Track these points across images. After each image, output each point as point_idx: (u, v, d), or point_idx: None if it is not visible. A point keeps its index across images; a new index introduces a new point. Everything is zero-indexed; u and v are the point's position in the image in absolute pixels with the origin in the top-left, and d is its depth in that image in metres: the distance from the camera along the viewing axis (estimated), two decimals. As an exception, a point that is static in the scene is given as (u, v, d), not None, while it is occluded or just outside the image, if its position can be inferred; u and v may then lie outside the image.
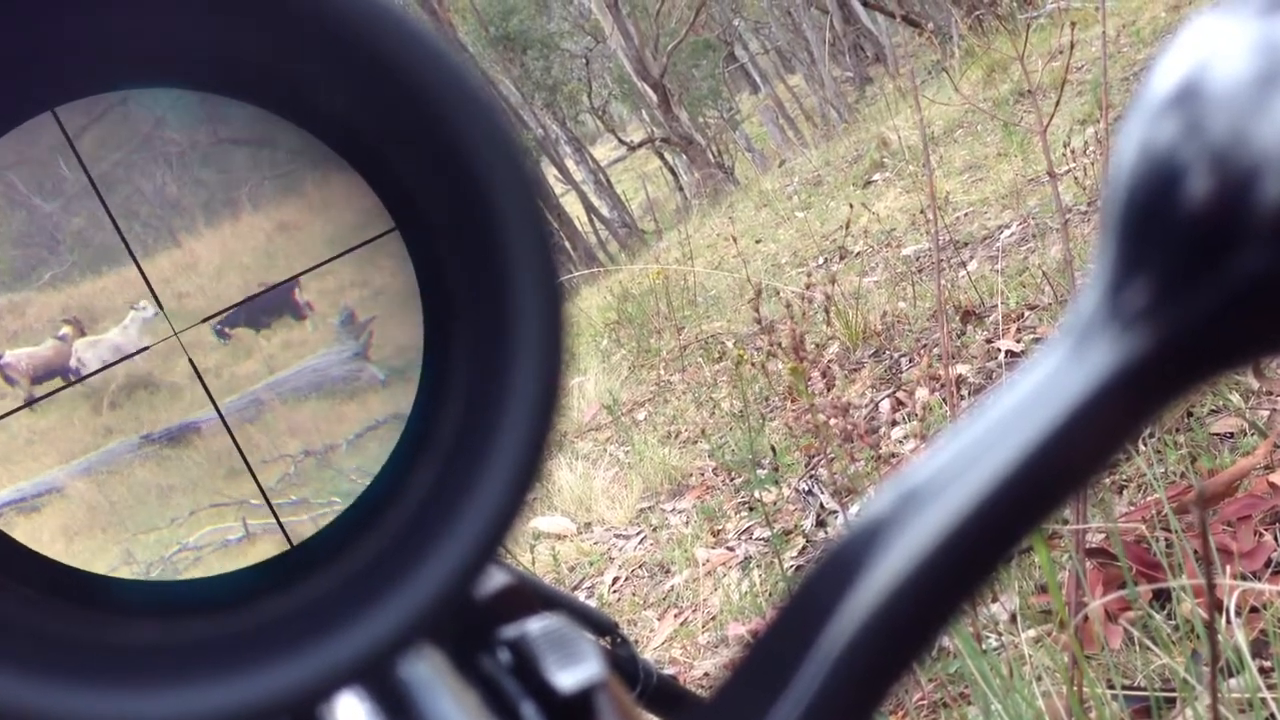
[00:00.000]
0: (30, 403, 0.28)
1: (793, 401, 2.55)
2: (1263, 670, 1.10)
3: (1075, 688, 0.98)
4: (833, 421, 1.38)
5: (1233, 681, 1.01)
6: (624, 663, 0.61)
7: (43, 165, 0.27)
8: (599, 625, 0.60)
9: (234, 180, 0.29)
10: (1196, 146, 0.20)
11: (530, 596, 0.35)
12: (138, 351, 0.29)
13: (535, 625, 0.32)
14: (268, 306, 0.29)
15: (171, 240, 0.28)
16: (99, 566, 0.28)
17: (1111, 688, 1.13)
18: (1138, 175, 0.21)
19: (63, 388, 0.28)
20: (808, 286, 2.61)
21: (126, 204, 0.28)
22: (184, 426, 0.29)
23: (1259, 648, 1.16)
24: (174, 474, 0.29)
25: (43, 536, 0.28)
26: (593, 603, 2.40)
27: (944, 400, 1.97)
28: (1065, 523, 1.14)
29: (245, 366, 0.29)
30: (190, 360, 0.29)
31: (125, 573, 0.29)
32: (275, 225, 0.29)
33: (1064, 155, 3.55)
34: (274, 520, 0.30)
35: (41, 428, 0.28)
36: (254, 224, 0.29)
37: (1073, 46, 1.32)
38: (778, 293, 3.82)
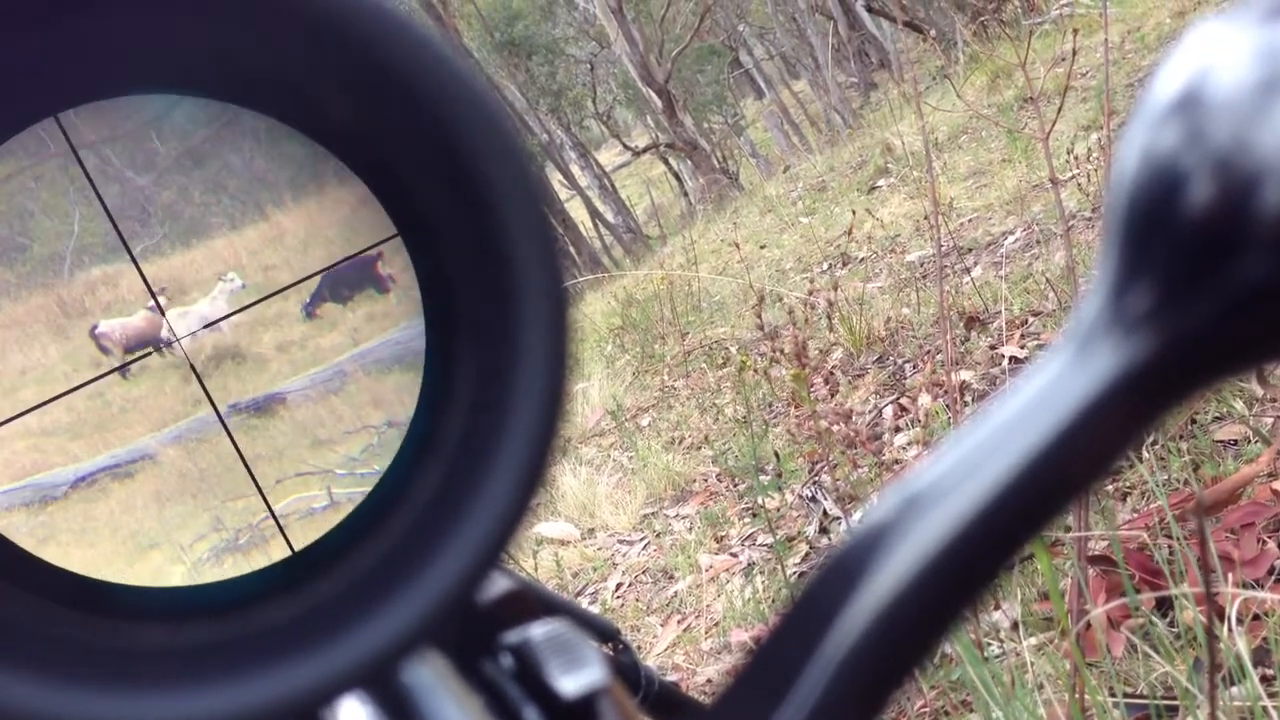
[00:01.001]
0: (122, 368, 0.29)
1: (796, 407, 2.55)
2: (1265, 679, 1.10)
3: (1076, 695, 0.97)
4: (835, 428, 1.38)
5: (1234, 690, 1.01)
6: (626, 669, 0.60)
7: (135, 140, 0.28)
8: (600, 631, 0.60)
9: (240, 185, 0.29)
10: (1198, 153, 0.20)
11: (532, 602, 0.35)
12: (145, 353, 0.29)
13: (538, 630, 0.32)
14: (350, 280, 0.30)
15: (259, 214, 0.29)
16: (108, 573, 0.29)
17: (1114, 695, 1.13)
18: (1140, 181, 0.21)
19: (144, 355, 0.29)
20: (810, 293, 2.62)
21: (215, 178, 0.29)
22: (269, 397, 0.30)
23: (1263, 655, 1.15)
24: (260, 443, 0.29)
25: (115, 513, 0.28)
26: (596, 608, 2.40)
27: (947, 406, 1.97)
28: (1068, 529, 1.14)
29: (329, 338, 0.30)
30: (192, 366, 0.29)
31: (131, 578, 0.29)
32: (273, 232, 0.29)
33: (1068, 161, 3.55)
34: (353, 489, 0.30)
35: (134, 396, 0.29)
36: (256, 232, 0.29)
37: (1075, 54, 1.32)
38: (781, 299, 3.82)
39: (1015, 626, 1.41)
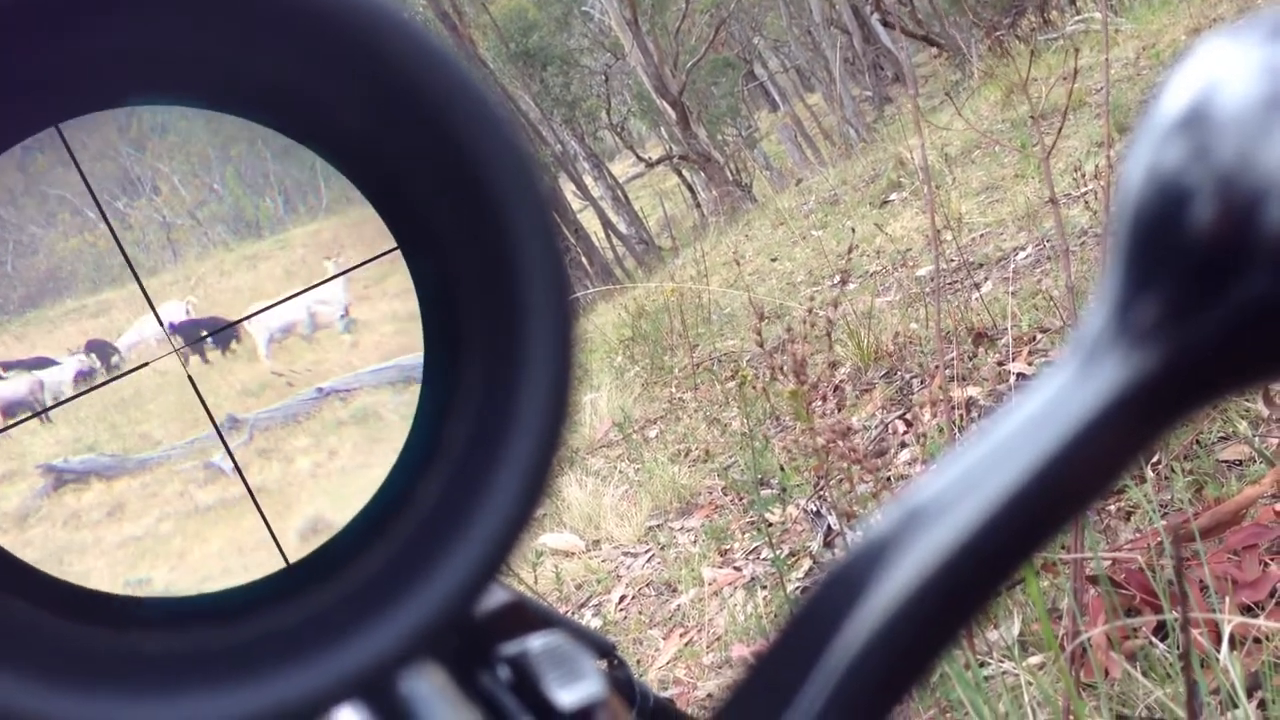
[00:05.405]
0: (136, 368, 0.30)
1: (800, 420, 2.55)
2: (1262, 704, 1.09)
3: (1069, 717, 0.97)
4: (833, 445, 1.38)
5: (1229, 715, 1.01)
6: (621, 685, 0.60)
7: (136, 150, 0.29)
8: (596, 647, 0.60)
9: (320, 194, 0.30)
10: (1203, 170, 0.20)
11: (529, 615, 0.35)
12: (138, 366, 0.30)
13: (536, 642, 0.32)
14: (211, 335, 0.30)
15: (255, 227, 0.30)
16: (108, 584, 0.29)
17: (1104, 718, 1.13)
18: (1145, 196, 0.21)
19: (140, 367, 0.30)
20: (810, 311, 2.62)
21: (214, 189, 0.30)
22: (269, 413, 0.30)
23: (1265, 679, 1.15)
24: (257, 456, 0.30)
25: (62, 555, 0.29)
26: (598, 621, 2.40)
27: (951, 423, 1.98)
28: (1065, 548, 1.14)
29: (329, 354, 0.31)
30: (192, 382, 0.30)
31: (131, 589, 0.29)
32: (280, 243, 0.30)
33: (1077, 179, 3.54)
34: (353, 500, 0.29)
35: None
36: (252, 246, 0.30)
37: (1076, 73, 1.33)
38: (790, 312, 3.83)
39: (1009, 647, 1.41)
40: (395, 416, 0.30)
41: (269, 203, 0.30)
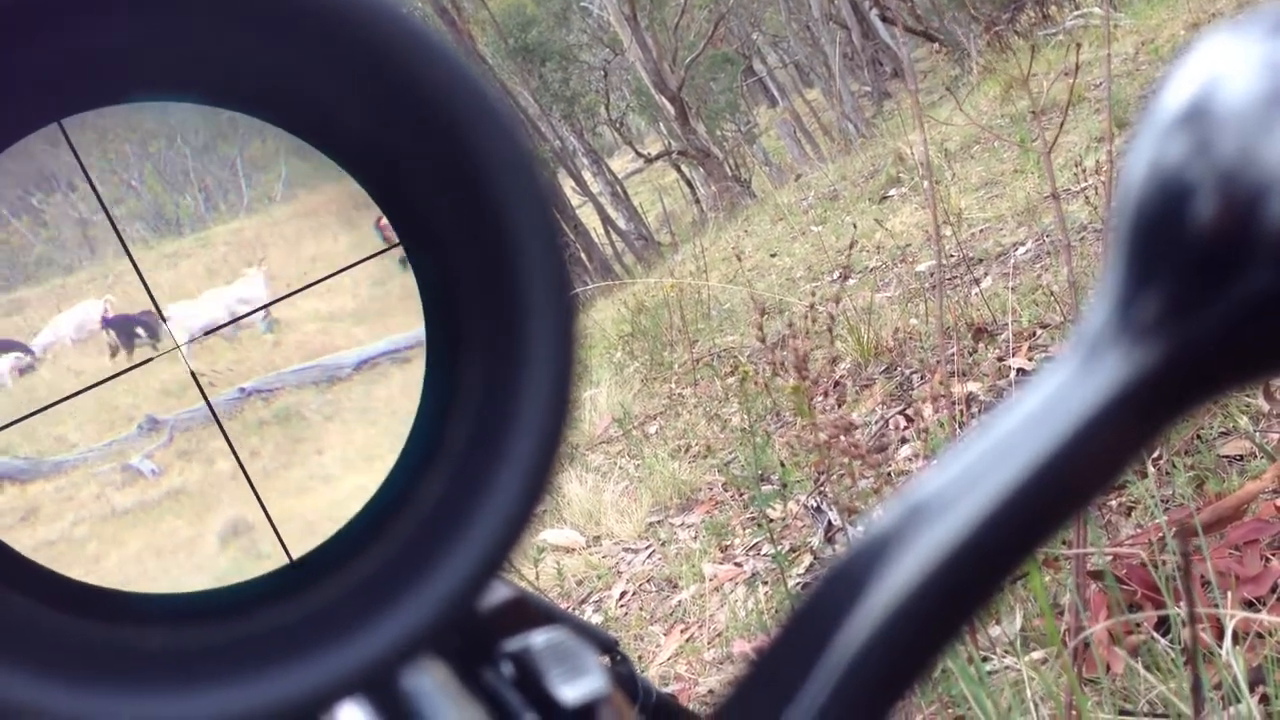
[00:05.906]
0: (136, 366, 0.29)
1: (800, 417, 2.55)
2: (1264, 698, 1.09)
3: (1071, 713, 0.97)
4: (835, 440, 1.38)
5: (1232, 710, 1.01)
6: (624, 680, 0.60)
7: (140, 146, 0.29)
8: (598, 643, 0.60)
9: (241, 192, 0.30)
10: (1204, 165, 0.20)
11: (532, 611, 0.35)
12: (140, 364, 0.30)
13: (538, 638, 0.32)
14: (138, 326, 0.30)
15: (259, 223, 0.30)
16: (110, 580, 0.29)
17: (1129, 716, 1.12)
18: (1147, 191, 0.21)
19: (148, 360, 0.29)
20: (811, 306, 2.62)
21: (217, 184, 0.30)
22: (266, 400, 0.30)
23: (1268, 674, 1.15)
24: (259, 449, 0.30)
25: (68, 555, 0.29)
26: (599, 617, 2.41)
27: (952, 418, 1.98)
28: (1067, 544, 1.14)
29: (331, 345, 0.30)
30: (193, 374, 0.30)
31: (133, 585, 0.29)
32: (282, 238, 0.30)
33: (1077, 174, 3.54)
34: (356, 496, 0.29)
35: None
36: (265, 236, 0.30)
37: (1078, 68, 1.33)
38: (791, 308, 3.82)
39: (1012, 643, 1.41)
40: (318, 416, 0.30)
41: (189, 200, 0.30)
